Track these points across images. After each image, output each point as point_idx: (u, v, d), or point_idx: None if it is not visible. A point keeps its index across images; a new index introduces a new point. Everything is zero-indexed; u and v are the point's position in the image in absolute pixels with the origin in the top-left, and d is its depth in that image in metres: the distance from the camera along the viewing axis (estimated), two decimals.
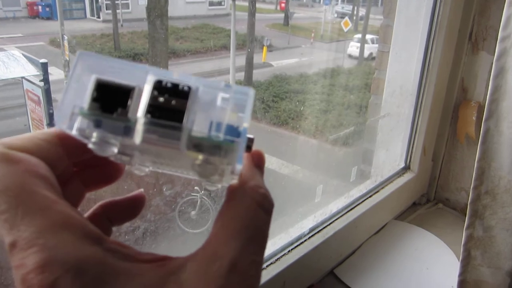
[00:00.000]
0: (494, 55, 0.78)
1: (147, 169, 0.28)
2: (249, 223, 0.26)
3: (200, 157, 0.25)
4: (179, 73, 0.24)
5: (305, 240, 0.87)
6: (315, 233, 0.89)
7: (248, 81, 6.28)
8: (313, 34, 9.20)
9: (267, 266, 0.79)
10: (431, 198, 1.28)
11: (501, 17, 0.77)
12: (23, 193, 0.21)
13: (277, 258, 0.81)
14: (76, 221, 0.22)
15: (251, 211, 0.26)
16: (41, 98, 3.60)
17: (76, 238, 0.21)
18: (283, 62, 7.78)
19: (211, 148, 0.25)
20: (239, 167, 0.25)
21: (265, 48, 7.60)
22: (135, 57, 5.55)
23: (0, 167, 0.22)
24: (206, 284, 0.23)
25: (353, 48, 8.03)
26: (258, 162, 0.30)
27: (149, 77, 0.24)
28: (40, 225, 0.20)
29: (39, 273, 0.19)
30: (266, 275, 0.78)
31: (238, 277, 0.24)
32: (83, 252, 0.20)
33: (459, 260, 0.89)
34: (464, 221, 0.86)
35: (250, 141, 0.28)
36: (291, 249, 0.84)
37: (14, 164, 0.22)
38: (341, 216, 0.97)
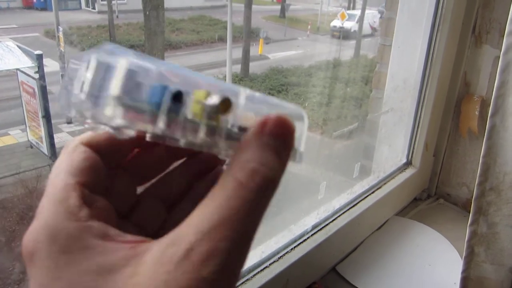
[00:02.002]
0: (497, 48, 0.77)
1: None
2: (222, 203, 0.23)
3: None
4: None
5: (308, 238, 0.86)
6: (318, 230, 0.88)
7: (244, 73, 6.25)
8: (309, 26, 9.16)
9: (270, 265, 0.78)
10: (432, 193, 1.28)
11: (506, 10, 0.76)
12: (53, 178, 0.26)
13: (280, 256, 0.80)
14: (69, 200, 0.24)
15: (227, 190, 0.23)
16: (36, 90, 3.58)
17: (63, 213, 0.24)
18: (279, 55, 7.76)
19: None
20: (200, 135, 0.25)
21: (261, 41, 7.58)
22: (131, 48, 5.49)
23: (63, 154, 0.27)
24: (155, 270, 0.21)
25: (336, 25, 7.78)
26: (271, 130, 0.25)
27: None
28: (47, 199, 0.25)
29: (29, 234, 0.24)
30: (269, 273, 0.77)
31: (190, 266, 0.21)
32: (60, 225, 0.24)
33: (461, 256, 0.88)
34: (465, 217, 0.85)
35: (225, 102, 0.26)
36: (294, 247, 0.83)
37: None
38: (343, 213, 0.96)
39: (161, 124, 0.24)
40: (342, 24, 7.77)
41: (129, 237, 0.24)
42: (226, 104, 0.26)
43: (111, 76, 0.23)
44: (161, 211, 0.31)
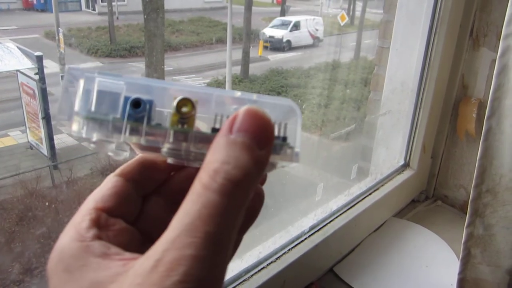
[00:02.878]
0: (495, 51, 0.78)
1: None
2: (187, 209, 0.22)
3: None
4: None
5: (305, 239, 0.86)
6: (315, 232, 0.89)
7: (244, 75, 6.26)
8: None
9: (267, 265, 0.79)
10: (430, 195, 1.28)
11: (503, 13, 0.76)
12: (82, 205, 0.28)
13: (278, 257, 0.81)
14: (81, 223, 0.26)
15: (192, 195, 0.22)
16: (36, 91, 3.58)
17: (73, 235, 0.26)
18: (279, 56, 7.76)
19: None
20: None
21: (261, 42, 7.58)
22: (131, 50, 5.51)
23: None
24: (130, 283, 0.21)
25: (269, 33, 6.68)
26: (239, 126, 0.24)
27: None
28: (69, 223, 0.27)
29: (51, 254, 0.26)
30: (266, 273, 0.77)
31: (156, 277, 0.20)
32: (67, 245, 0.25)
33: (458, 258, 0.89)
34: (463, 218, 0.86)
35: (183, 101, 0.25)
36: (292, 248, 0.83)
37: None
38: (341, 214, 0.96)
39: (125, 134, 0.25)
40: (296, 28, 6.73)
41: (127, 254, 0.24)
42: (183, 104, 0.25)
43: (76, 94, 0.26)
44: None
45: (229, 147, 0.23)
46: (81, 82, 0.26)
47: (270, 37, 6.61)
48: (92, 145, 0.27)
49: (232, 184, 0.22)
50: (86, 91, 0.26)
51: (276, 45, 6.65)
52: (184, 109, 0.25)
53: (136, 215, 0.30)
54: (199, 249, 0.21)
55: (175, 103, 0.25)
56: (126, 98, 0.25)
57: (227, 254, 0.22)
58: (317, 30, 6.62)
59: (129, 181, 0.29)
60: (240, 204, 0.23)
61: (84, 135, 0.25)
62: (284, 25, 6.96)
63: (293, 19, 7.03)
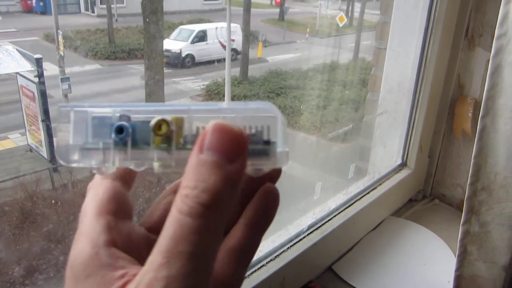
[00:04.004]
0: (490, 51, 0.79)
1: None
2: (164, 232, 0.23)
3: None
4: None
5: (304, 237, 0.88)
6: (314, 230, 0.90)
7: (243, 76, 6.27)
8: (308, 29, 9.19)
9: (267, 263, 0.80)
10: (427, 194, 1.29)
11: (497, 13, 0.78)
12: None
13: (277, 255, 0.82)
14: (93, 230, 0.27)
15: (169, 218, 0.23)
16: (35, 94, 3.59)
17: (85, 241, 0.27)
18: (278, 58, 7.77)
19: None
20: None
21: (260, 44, 7.59)
22: (130, 52, 5.52)
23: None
24: None
25: (165, 46, 5.18)
26: (208, 144, 0.24)
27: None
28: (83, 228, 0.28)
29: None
30: (265, 271, 0.78)
31: None
32: (79, 251, 0.26)
33: (455, 256, 0.90)
34: (460, 217, 0.87)
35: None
36: (290, 246, 0.85)
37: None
38: (339, 213, 0.97)
39: (113, 159, 0.27)
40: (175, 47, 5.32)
41: (132, 270, 0.25)
42: (160, 125, 0.26)
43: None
44: None
45: (199, 168, 0.24)
46: (72, 116, 0.28)
47: (166, 50, 5.22)
48: (94, 170, 0.29)
49: (203, 207, 0.23)
50: (76, 123, 0.28)
51: (173, 61, 5.39)
52: (161, 130, 0.26)
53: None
54: (173, 270, 0.22)
55: (151, 125, 0.26)
56: (113, 125, 0.27)
57: (207, 270, 0.23)
58: (233, 40, 5.41)
59: (115, 180, 0.30)
60: (214, 222, 0.23)
61: (82, 165, 0.28)
62: (183, 35, 5.68)
63: (196, 27, 5.72)
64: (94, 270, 0.25)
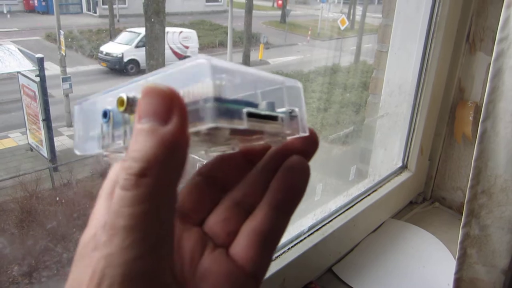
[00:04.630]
0: (491, 55, 0.80)
1: None
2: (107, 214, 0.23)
3: None
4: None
5: (304, 238, 0.88)
6: (315, 231, 0.90)
7: None
8: (309, 32, 9.20)
9: None
10: (427, 197, 1.30)
11: (499, 18, 0.78)
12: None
13: (277, 256, 0.82)
14: (99, 215, 0.27)
15: (113, 200, 0.22)
16: (37, 93, 3.60)
17: (88, 227, 0.27)
18: (279, 60, 7.78)
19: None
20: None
21: (261, 46, 7.60)
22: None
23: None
24: None
25: (106, 49, 4.85)
26: (140, 110, 0.22)
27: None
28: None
29: None
30: None
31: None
32: (85, 233, 0.26)
33: (455, 258, 0.90)
34: (460, 220, 0.87)
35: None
36: (291, 247, 0.85)
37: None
38: (340, 215, 0.98)
39: (102, 144, 0.28)
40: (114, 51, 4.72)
41: None
42: (122, 101, 0.25)
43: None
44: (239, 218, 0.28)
45: (136, 138, 0.22)
46: (76, 109, 0.30)
47: (107, 54, 4.81)
48: (105, 158, 0.29)
49: (135, 177, 0.21)
50: (82, 116, 0.29)
51: (114, 66, 4.82)
52: (122, 106, 0.24)
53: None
54: (113, 246, 0.21)
55: (115, 104, 0.25)
56: (102, 111, 0.27)
57: (151, 241, 0.22)
58: (186, 47, 4.90)
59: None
60: (151, 191, 0.22)
61: (90, 153, 0.29)
62: (125, 39, 5.08)
63: (142, 31, 4.97)
64: (88, 251, 0.24)
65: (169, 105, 0.22)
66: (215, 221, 0.28)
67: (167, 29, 4.67)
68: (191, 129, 0.23)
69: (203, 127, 0.22)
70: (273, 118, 0.26)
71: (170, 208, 0.23)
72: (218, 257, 0.26)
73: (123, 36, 5.16)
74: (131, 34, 5.07)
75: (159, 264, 0.22)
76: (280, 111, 0.26)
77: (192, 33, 5.18)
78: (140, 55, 4.75)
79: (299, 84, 0.28)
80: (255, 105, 0.25)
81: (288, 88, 0.27)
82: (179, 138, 0.22)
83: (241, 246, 0.26)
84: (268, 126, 0.25)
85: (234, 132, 0.24)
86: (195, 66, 0.23)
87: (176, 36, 4.88)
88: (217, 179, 0.30)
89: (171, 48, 4.90)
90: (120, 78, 4.73)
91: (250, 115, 0.24)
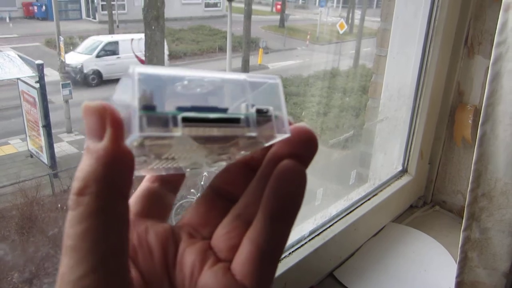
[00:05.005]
0: (489, 59, 0.80)
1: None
2: None
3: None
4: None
5: (305, 243, 0.88)
6: (315, 236, 0.90)
7: None
8: (308, 36, 9.23)
9: None
10: (428, 200, 1.30)
11: (497, 21, 0.79)
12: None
13: None
14: None
15: None
16: (36, 99, 3.60)
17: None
18: (278, 64, 7.80)
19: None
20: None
21: (261, 50, 7.62)
22: None
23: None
24: None
25: (69, 60, 4.38)
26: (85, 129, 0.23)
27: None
28: None
29: None
30: None
31: None
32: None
33: (456, 262, 0.90)
34: (461, 223, 0.87)
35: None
36: (292, 252, 0.85)
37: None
38: (340, 219, 0.98)
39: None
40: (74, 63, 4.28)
41: None
42: None
43: None
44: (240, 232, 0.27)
45: (82, 158, 0.23)
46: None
47: (66, 65, 4.40)
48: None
49: (73, 196, 0.22)
50: None
51: (73, 77, 4.51)
52: None
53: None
54: (63, 266, 0.22)
55: None
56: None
57: (91, 260, 0.22)
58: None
59: (153, 182, 0.31)
60: (87, 209, 0.22)
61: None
62: (91, 48, 4.74)
63: (105, 39, 4.83)
64: None
65: (102, 122, 0.22)
66: (218, 235, 0.28)
67: (131, 36, 4.71)
68: (127, 142, 0.22)
69: (130, 139, 0.22)
70: (234, 121, 0.24)
71: (117, 222, 0.23)
72: (217, 272, 0.26)
73: (85, 44, 4.86)
74: (94, 43, 4.80)
75: (109, 279, 0.22)
76: (245, 112, 0.24)
77: (141, 40, 4.61)
78: (102, 65, 4.55)
79: (277, 80, 0.25)
80: (222, 110, 0.24)
81: (256, 85, 0.25)
82: (113, 153, 0.22)
83: (239, 261, 0.25)
84: (222, 130, 0.23)
85: (203, 140, 0.23)
86: (127, 77, 0.22)
87: (142, 43, 4.46)
88: (226, 191, 0.29)
89: (136, 56, 4.67)
90: (86, 91, 4.58)
91: (193, 120, 0.22)
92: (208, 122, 0.23)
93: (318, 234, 0.92)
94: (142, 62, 4.48)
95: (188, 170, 0.30)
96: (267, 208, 0.25)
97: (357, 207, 1.04)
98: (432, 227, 1.19)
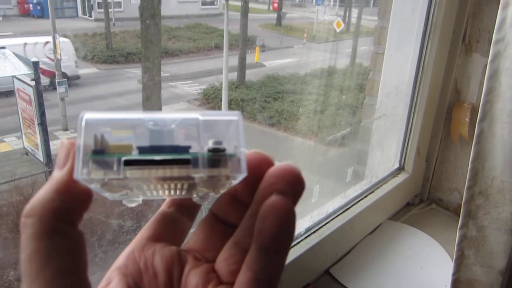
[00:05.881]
0: (487, 57, 0.80)
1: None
2: None
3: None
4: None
5: (301, 240, 0.88)
6: (311, 233, 0.90)
7: (241, 81, 6.28)
8: (305, 35, 9.23)
9: None
10: (424, 198, 1.30)
11: (495, 19, 0.78)
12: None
13: None
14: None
15: None
16: (32, 97, 3.58)
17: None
18: (275, 62, 7.80)
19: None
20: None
21: (257, 48, 7.62)
22: (128, 56, 5.52)
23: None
24: None
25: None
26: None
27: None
28: None
29: None
30: None
31: None
32: None
33: (452, 260, 0.90)
34: (457, 221, 0.87)
35: None
36: None
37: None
38: (336, 217, 0.98)
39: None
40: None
41: None
42: None
43: None
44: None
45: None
46: None
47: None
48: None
49: (23, 218, 0.24)
50: None
51: None
52: None
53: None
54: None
55: None
56: None
57: (45, 281, 0.23)
58: (59, 59, 3.70)
59: (170, 207, 0.32)
60: (37, 231, 0.23)
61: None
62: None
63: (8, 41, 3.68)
64: None
65: (67, 155, 0.25)
66: (220, 260, 0.29)
67: (25, 40, 3.90)
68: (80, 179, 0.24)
69: (80, 178, 0.23)
70: (184, 162, 0.24)
71: (64, 245, 0.24)
72: None
73: None
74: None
75: None
76: (200, 151, 0.24)
77: (66, 42, 4.10)
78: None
79: (237, 117, 0.25)
80: (183, 149, 0.24)
81: (215, 123, 0.25)
82: (66, 182, 0.24)
83: (239, 286, 0.26)
84: (168, 172, 0.24)
85: (159, 179, 0.24)
86: (80, 120, 0.24)
87: (40, 48, 3.72)
88: (224, 218, 0.30)
89: (47, 58, 3.88)
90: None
91: (137, 163, 0.23)
92: (155, 163, 0.23)
93: (314, 232, 0.92)
94: (47, 73, 3.78)
95: (195, 196, 0.29)
96: (258, 241, 0.25)
97: (353, 205, 1.04)
98: (429, 224, 1.19)
